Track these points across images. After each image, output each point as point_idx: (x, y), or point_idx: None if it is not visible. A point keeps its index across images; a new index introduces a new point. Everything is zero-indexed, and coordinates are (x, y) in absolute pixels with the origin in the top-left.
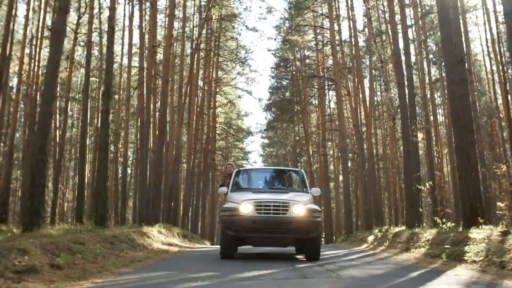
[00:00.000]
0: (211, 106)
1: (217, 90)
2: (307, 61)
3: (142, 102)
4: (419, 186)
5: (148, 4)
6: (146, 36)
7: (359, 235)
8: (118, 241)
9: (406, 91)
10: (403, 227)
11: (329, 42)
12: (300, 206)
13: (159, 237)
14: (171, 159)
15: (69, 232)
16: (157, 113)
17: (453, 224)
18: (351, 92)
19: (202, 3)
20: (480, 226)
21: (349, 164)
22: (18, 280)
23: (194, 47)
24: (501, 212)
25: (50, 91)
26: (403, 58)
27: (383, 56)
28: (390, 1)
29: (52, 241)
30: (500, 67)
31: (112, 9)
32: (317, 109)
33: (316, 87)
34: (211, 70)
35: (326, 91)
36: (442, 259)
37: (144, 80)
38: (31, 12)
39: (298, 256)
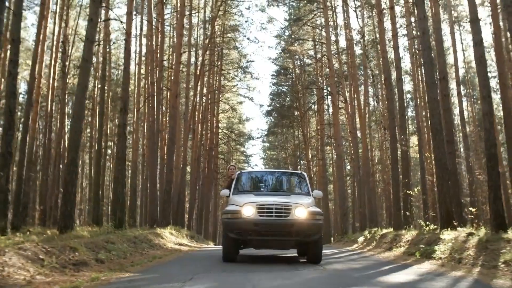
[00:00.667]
0: (214, 113)
1: (220, 97)
2: (307, 68)
3: (153, 114)
4: (408, 191)
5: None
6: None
7: (352, 236)
8: (139, 241)
9: (397, 103)
10: (391, 229)
11: (326, 56)
12: (302, 209)
13: (170, 238)
14: (178, 165)
15: (98, 234)
16: (164, 119)
17: (435, 226)
18: (348, 100)
19: (207, 15)
20: (455, 228)
21: (349, 167)
22: (77, 270)
23: (200, 63)
24: (472, 216)
25: (80, 111)
26: (394, 74)
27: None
28: (380, 22)
29: (91, 241)
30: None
31: (128, 33)
32: (316, 115)
33: (315, 93)
34: (214, 79)
35: (326, 96)
36: (416, 256)
37: (155, 93)
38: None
39: (301, 260)
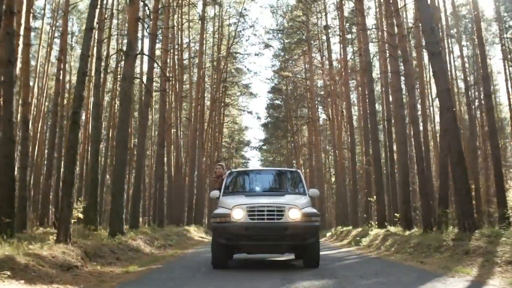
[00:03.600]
0: (220, 131)
1: (224, 113)
2: (298, 84)
3: (177, 141)
4: (368, 198)
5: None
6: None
7: (324, 232)
8: (179, 235)
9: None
10: (350, 227)
11: (322, 74)
12: (296, 210)
13: (194, 233)
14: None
15: (154, 230)
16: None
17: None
18: (331, 117)
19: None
20: (385, 227)
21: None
22: (164, 249)
23: (211, 102)
24: (396, 219)
25: (142, 152)
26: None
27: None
28: (346, 79)
29: (161, 234)
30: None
31: (163, 94)
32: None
33: (306, 105)
34: (220, 108)
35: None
36: (351, 244)
37: (179, 124)
38: None
39: (296, 264)
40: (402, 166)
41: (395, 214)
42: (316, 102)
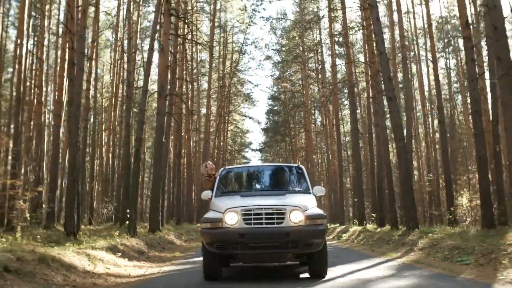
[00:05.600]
0: (224, 138)
1: (228, 119)
2: (296, 93)
3: (189, 149)
4: (355, 199)
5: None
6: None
7: None
8: (196, 231)
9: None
10: (337, 224)
11: (317, 82)
12: (298, 212)
13: None
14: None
15: (175, 228)
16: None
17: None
18: (324, 124)
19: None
20: (365, 225)
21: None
22: (189, 242)
23: (217, 114)
24: (373, 218)
25: (164, 157)
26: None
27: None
28: (335, 96)
29: (185, 231)
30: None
31: (181, 121)
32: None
33: (302, 113)
34: (226, 119)
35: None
36: (334, 239)
37: (191, 136)
38: None
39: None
40: (378, 174)
41: (372, 214)
42: (313, 107)
